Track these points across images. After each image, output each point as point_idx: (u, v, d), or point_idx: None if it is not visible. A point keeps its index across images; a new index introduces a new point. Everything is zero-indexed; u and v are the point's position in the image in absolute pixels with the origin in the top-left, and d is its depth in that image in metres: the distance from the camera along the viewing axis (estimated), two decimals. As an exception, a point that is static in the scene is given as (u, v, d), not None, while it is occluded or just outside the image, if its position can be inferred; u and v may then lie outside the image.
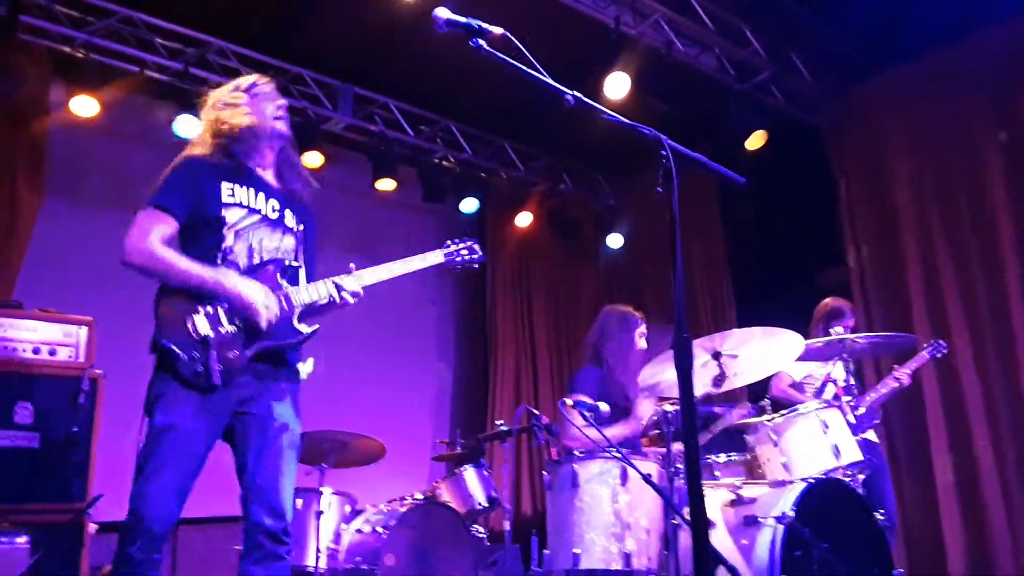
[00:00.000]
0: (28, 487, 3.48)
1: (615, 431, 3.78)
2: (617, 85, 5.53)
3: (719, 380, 3.38)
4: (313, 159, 6.21)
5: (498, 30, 2.06)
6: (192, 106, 5.62)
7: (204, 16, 5.62)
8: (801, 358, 4.20)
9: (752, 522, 3.22)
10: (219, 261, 2.53)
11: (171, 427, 2.38)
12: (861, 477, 3.72)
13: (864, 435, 4.47)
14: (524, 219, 7.67)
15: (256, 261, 2.60)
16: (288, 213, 2.74)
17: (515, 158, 7.50)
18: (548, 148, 7.61)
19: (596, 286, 8.31)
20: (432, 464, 6.75)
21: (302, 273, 2.72)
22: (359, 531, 4.29)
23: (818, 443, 3.57)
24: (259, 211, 2.65)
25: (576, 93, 2.09)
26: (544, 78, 2.08)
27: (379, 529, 4.16)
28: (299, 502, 4.37)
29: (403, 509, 4.24)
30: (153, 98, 5.83)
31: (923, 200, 5.96)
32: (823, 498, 3.29)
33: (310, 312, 2.69)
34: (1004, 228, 5.51)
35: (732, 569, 2.51)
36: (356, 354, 7.02)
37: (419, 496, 4.59)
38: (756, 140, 6.10)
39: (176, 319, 2.43)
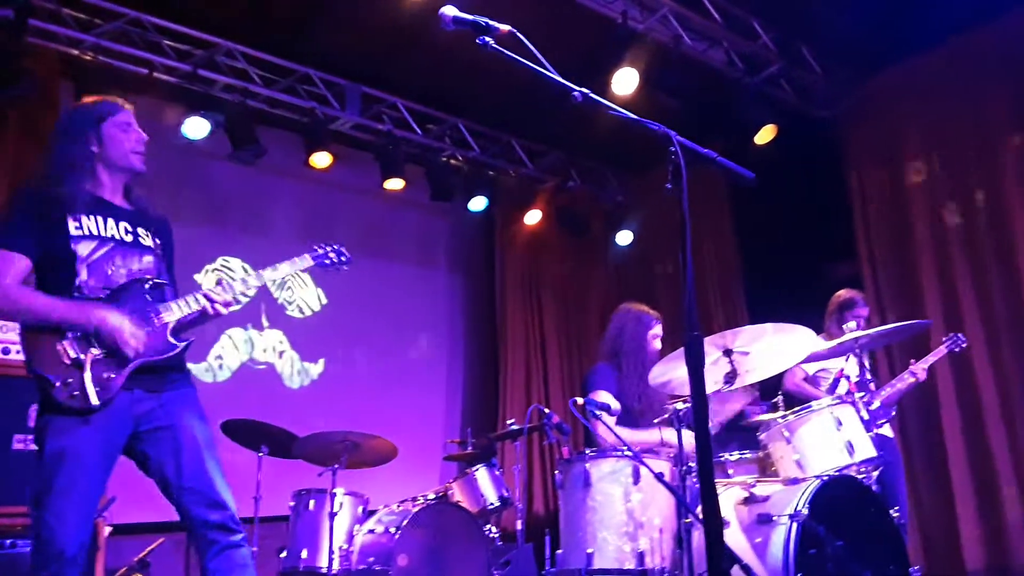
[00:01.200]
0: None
1: (639, 437, 3.76)
2: (625, 81, 5.51)
3: (731, 377, 3.36)
4: (321, 159, 6.22)
5: (505, 27, 2.05)
6: (202, 108, 5.66)
7: (212, 18, 5.63)
8: (814, 358, 4.19)
9: (766, 520, 3.19)
10: (75, 295, 2.50)
11: (62, 452, 2.37)
12: (875, 474, 3.69)
13: (879, 430, 4.45)
14: (533, 217, 7.66)
15: (118, 284, 2.56)
16: (141, 231, 2.69)
17: (523, 156, 7.48)
18: (556, 145, 7.59)
19: (606, 283, 8.29)
20: (443, 464, 6.75)
21: (168, 291, 2.70)
22: (372, 532, 4.29)
23: (831, 440, 3.54)
24: (111, 238, 2.60)
25: (584, 90, 2.07)
26: (552, 75, 2.06)
27: (392, 530, 4.15)
28: (312, 503, 4.39)
29: (415, 509, 4.24)
30: (162, 100, 5.85)
31: (936, 193, 5.91)
32: (837, 495, 3.26)
33: (185, 325, 2.66)
34: (1019, 221, 5.46)
35: (746, 568, 2.50)
36: (367, 355, 7.04)
37: (431, 496, 4.58)
38: (766, 134, 6.07)
39: (46, 347, 2.41)
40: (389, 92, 6.57)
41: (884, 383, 4.64)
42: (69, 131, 2.68)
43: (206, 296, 2.61)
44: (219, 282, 2.68)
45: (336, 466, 4.36)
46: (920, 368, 4.50)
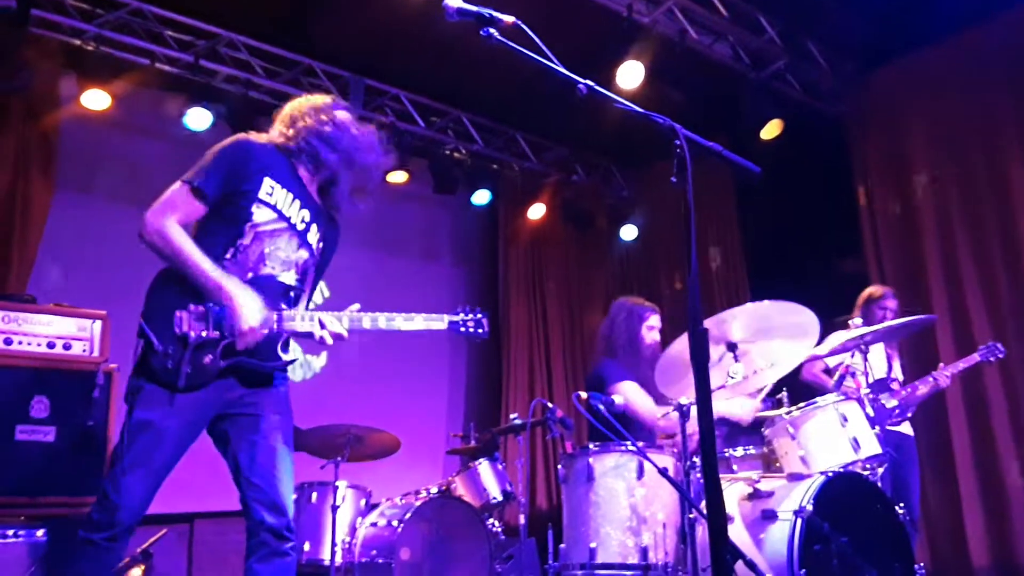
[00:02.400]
0: (45, 481, 3.51)
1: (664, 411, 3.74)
2: (630, 74, 5.49)
3: (736, 372, 3.34)
4: (325, 151, 6.19)
5: (509, 19, 2.03)
6: (204, 99, 5.64)
7: (214, 8, 5.61)
8: (820, 356, 4.17)
9: (770, 516, 3.18)
10: (229, 255, 2.48)
11: (148, 424, 2.35)
12: (881, 470, 3.67)
13: (898, 427, 4.44)
14: (537, 211, 7.64)
15: (264, 271, 2.54)
16: (314, 228, 2.69)
17: (527, 149, 7.46)
18: (561, 139, 7.56)
19: (610, 278, 8.28)
20: (446, 458, 6.75)
21: (303, 301, 2.70)
22: (374, 525, 4.29)
23: (836, 436, 3.52)
24: (289, 218, 2.59)
25: (589, 82, 2.05)
26: (556, 67, 2.05)
27: (394, 523, 4.16)
28: (314, 496, 4.39)
29: (418, 503, 4.24)
30: (164, 90, 5.84)
31: (943, 187, 5.88)
32: (842, 492, 3.25)
33: (295, 337, 2.65)
34: (1026, 216, 5.43)
35: (750, 563, 2.48)
36: (370, 348, 7.02)
37: (434, 490, 4.58)
38: (771, 129, 6.04)
39: (165, 308, 2.39)
40: (392, 84, 6.55)
41: (907, 382, 4.60)
42: (311, 112, 2.77)
43: (320, 323, 2.58)
44: (340, 315, 2.66)
45: (339, 459, 4.36)
46: (944, 375, 4.46)
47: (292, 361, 2.62)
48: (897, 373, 4.67)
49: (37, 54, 5.12)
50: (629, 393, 3.81)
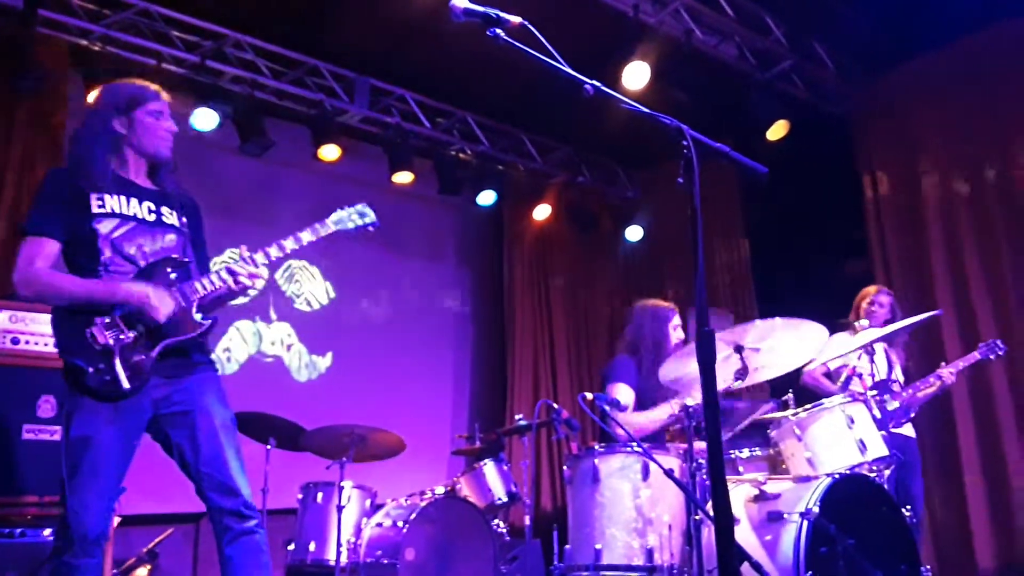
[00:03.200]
0: (51, 480, 3.50)
1: (652, 415, 3.76)
2: (636, 75, 5.47)
3: (741, 374, 3.33)
4: (330, 152, 6.21)
5: (516, 19, 2.03)
6: (211, 99, 5.65)
7: (220, 9, 5.62)
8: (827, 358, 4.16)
9: (776, 518, 3.17)
10: (102, 274, 2.53)
11: (87, 439, 2.40)
12: (887, 472, 3.66)
13: (900, 429, 4.42)
14: (542, 212, 7.63)
15: (143, 265, 2.58)
16: (165, 210, 2.71)
17: (533, 150, 7.45)
18: (566, 140, 7.56)
19: (615, 279, 8.27)
20: (451, 458, 6.75)
21: (193, 268, 2.71)
22: (379, 525, 4.29)
23: (843, 438, 3.51)
24: (133, 216, 2.62)
25: (595, 83, 2.04)
26: (562, 68, 2.04)
27: (399, 523, 4.15)
28: (320, 496, 4.39)
29: (423, 503, 4.24)
30: (170, 91, 5.81)
31: (950, 190, 5.86)
32: (848, 494, 3.23)
33: (210, 303, 2.67)
34: (1033, 218, 5.41)
35: (756, 565, 2.47)
36: (375, 349, 7.03)
37: (439, 490, 4.58)
38: (778, 130, 6.03)
39: (76, 334, 2.44)
40: (398, 85, 6.55)
41: (910, 383, 4.59)
42: (98, 111, 2.71)
43: (229, 271, 2.60)
44: (240, 256, 2.65)
45: (344, 459, 4.36)
46: (948, 372, 4.46)
47: (212, 323, 2.63)
48: (898, 375, 4.65)
49: (44, 54, 5.14)
50: (619, 396, 3.83)
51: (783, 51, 6.01)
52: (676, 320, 4.21)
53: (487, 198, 7.22)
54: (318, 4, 5.61)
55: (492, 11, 2.03)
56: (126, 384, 2.42)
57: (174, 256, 2.65)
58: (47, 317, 3.68)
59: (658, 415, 3.86)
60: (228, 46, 5.78)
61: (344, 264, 6.96)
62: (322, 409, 5.89)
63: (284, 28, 5.88)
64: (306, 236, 2.77)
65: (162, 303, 2.48)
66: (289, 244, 2.72)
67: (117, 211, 2.59)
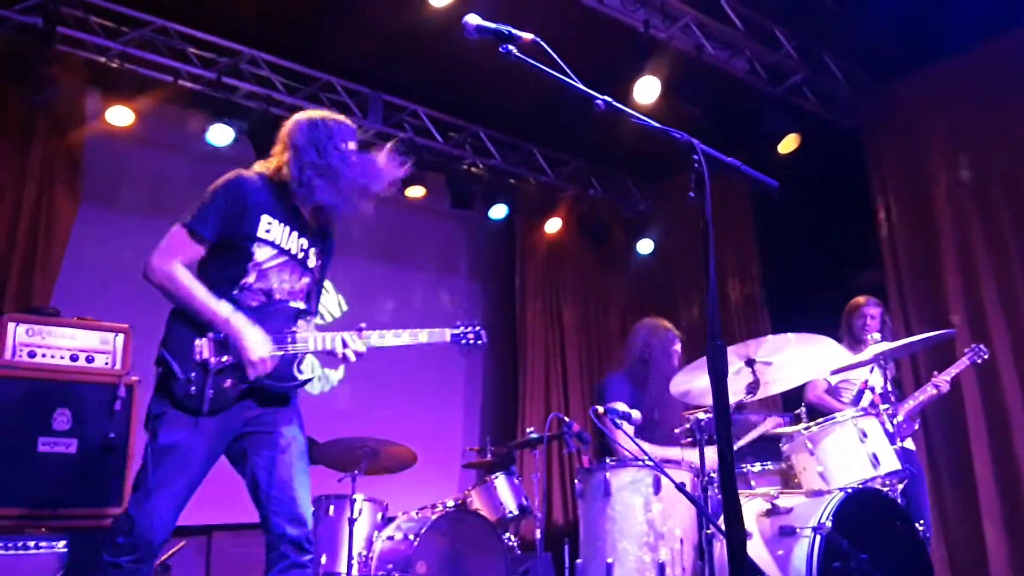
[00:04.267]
0: (66, 492, 3.54)
1: (659, 453, 3.76)
2: (647, 89, 5.50)
3: (753, 387, 3.33)
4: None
5: (528, 35, 2.04)
6: (226, 115, 5.71)
7: (236, 26, 5.69)
8: (837, 371, 4.15)
9: (789, 532, 3.16)
10: (235, 292, 2.57)
11: (173, 447, 2.42)
12: (900, 487, 3.64)
13: (901, 443, 4.40)
14: (553, 225, 7.65)
15: (274, 299, 2.62)
16: (312, 252, 2.76)
17: (544, 164, 7.48)
18: (578, 154, 7.58)
19: (626, 293, 8.26)
20: (462, 472, 6.74)
21: (311, 319, 2.74)
22: (391, 538, 4.29)
23: (856, 452, 3.50)
24: (288, 251, 2.66)
25: (606, 98, 2.06)
26: (574, 83, 2.06)
27: (411, 536, 4.16)
28: (331, 509, 4.40)
29: (434, 516, 4.24)
30: (187, 107, 5.92)
31: (961, 202, 5.84)
32: (861, 508, 3.22)
33: (316, 354, 2.71)
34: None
35: (769, 581, 2.47)
36: (387, 362, 7.03)
37: (450, 503, 4.58)
38: (789, 144, 6.03)
39: (184, 337, 2.49)
40: (411, 100, 6.60)
41: (907, 395, 4.58)
42: (297, 142, 2.70)
43: (343, 342, 2.64)
44: (358, 330, 2.70)
45: (356, 472, 4.37)
46: (942, 380, 4.45)
47: (308, 380, 2.69)
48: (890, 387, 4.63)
49: (62, 71, 5.21)
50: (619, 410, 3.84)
51: (794, 64, 6.02)
52: (677, 346, 4.22)
53: (499, 212, 7.25)
54: (332, 21, 5.67)
55: (504, 28, 2.04)
56: (207, 406, 2.45)
57: (302, 308, 2.68)
58: (63, 331, 3.76)
59: (666, 455, 3.86)
60: (243, 62, 5.85)
61: (357, 277, 7.00)
62: (334, 422, 5.90)
63: (298, 44, 5.94)
64: (424, 336, 2.86)
65: (262, 363, 2.51)
66: (406, 338, 2.81)
67: (278, 241, 2.63)
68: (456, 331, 2.98)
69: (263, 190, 2.65)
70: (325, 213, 2.79)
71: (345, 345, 2.64)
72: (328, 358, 2.70)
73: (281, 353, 2.57)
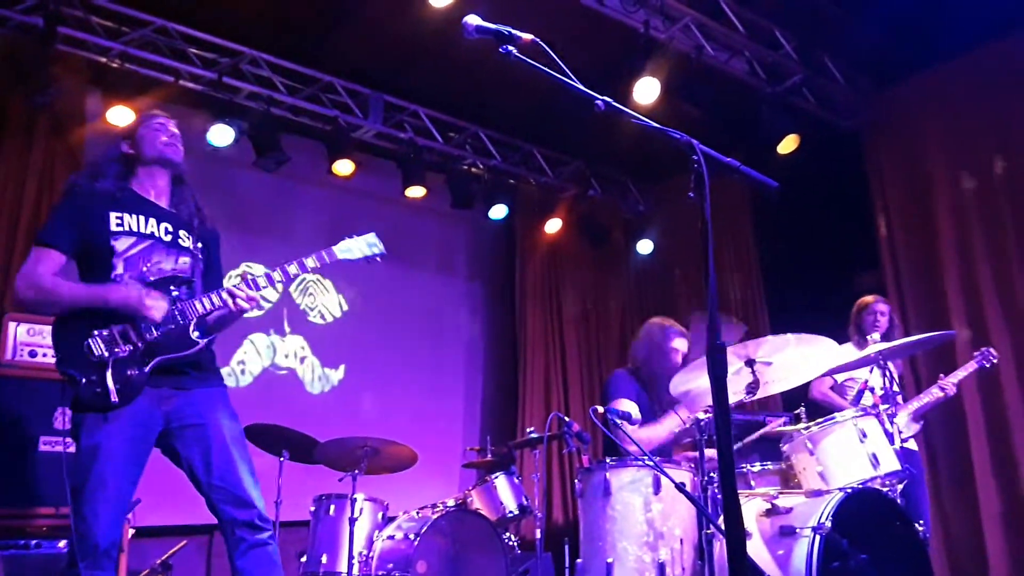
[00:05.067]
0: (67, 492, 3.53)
1: (660, 428, 3.77)
2: (647, 90, 5.51)
3: (753, 387, 3.34)
4: (344, 167, 6.27)
5: (528, 36, 2.05)
6: (227, 115, 5.72)
7: (237, 26, 5.70)
8: (837, 370, 4.16)
9: (788, 532, 3.17)
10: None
11: (96, 447, 2.45)
12: (900, 487, 3.65)
13: (905, 444, 4.40)
14: (553, 225, 7.66)
15: (149, 280, 2.63)
16: (183, 233, 2.78)
17: (544, 164, 7.49)
18: (577, 154, 7.59)
19: (626, 293, 8.27)
20: (463, 471, 6.75)
21: (197, 287, 2.76)
22: (391, 538, 4.30)
23: (855, 452, 3.50)
24: (150, 235, 2.69)
25: (606, 99, 2.06)
26: (574, 84, 2.06)
27: (411, 536, 4.16)
28: (332, 508, 4.41)
29: (435, 516, 4.25)
30: (188, 107, 5.92)
31: (961, 203, 5.85)
32: (861, 508, 3.22)
33: (213, 323, 2.73)
34: (1045, 231, 5.39)
35: (768, 580, 2.47)
36: (388, 361, 7.06)
37: (451, 503, 4.59)
38: (788, 144, 6.04)
39: (74, 345, 2.50)
40: (411, 101, 6.61)
41: (911, 396, 4.58)
42: (106, 146, 2.86)
43: (229, 292, 2.64)
44: (243, 278, 2.71)
45: (356, 472, 4.38)
46: (949, 383, 4.45)
47: (209, 340, 2.68)
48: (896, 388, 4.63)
49: (63, 71, 5.21)
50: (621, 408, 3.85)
51: (793, 65, 6.03)
52: (679, 343, 4.21)
53: (499, 212, 7.25)
54: (333, 22, 5.68)
55: (504, 28, 2.05)
56: (114, 397, 2.46)
57: (179, 275, 2.70)
58: (65, 330, 3.75)
59: (666, 426, 3.87)
60: (244, 63, 5.86)
61: (357, 277, 7.01)
62: (335, 421, 5.92)
63: (299, 45, 5.95)
64: (310, 263, 2.80)
65: (156, 305, 2.54)
66: (292, 269, 2.77)
67: (135, 229, 2.67)
68: (342, 245, 2.90)
69: (103, 191, 2.69)
70: (179, 190, 2.85)
71: (233, 296, 2.63)
72: (230, 318, 2.73)
73: (171, 326, 2.57)
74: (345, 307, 7.03)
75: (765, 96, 6.05)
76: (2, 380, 3.57)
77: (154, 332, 2.54)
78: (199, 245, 2.82)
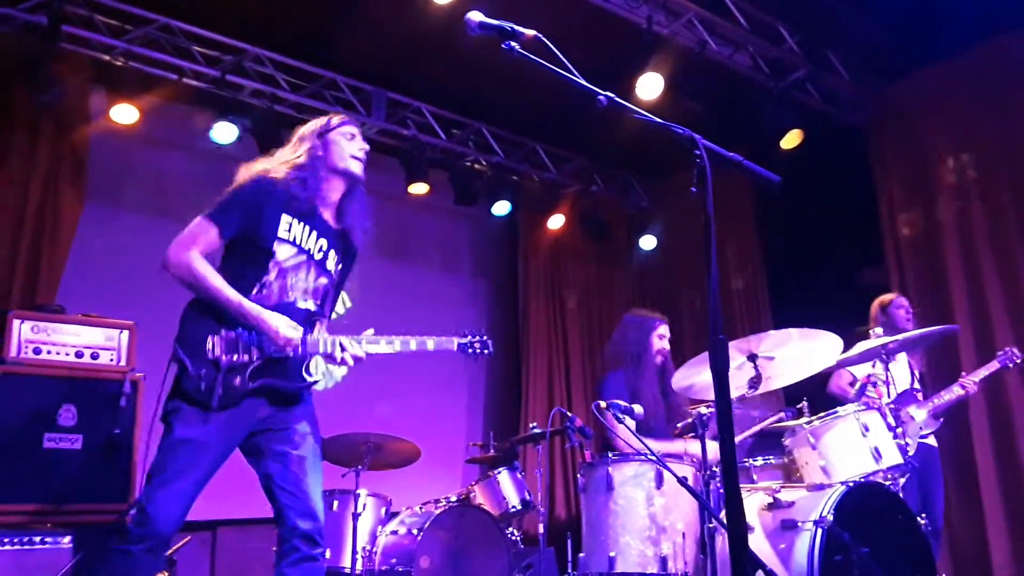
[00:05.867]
0: (72, 488, 3.56)
1: (661, 447, 3.78)
2: (650, 85, 5.51)
3: (755, 382, 3.34)
4: (347, 164, 6.26)
5: (530, 32, 2.06)
6: (230, 113, 5.73)
7: (240, 24, 5.70)
8: (843, 364, 4.16)
9: (790, 526, 3.17)
10: (255, 291, 2.60)
11: (188, 441, 2.46)
12: (902, 481, 3.65)
13: (924, 439, 4.41)
14: (556, 221, 7.67)
15: (287, 299, 2.65)
16: (332, 254, 2.80)
17: (547, 160, 7.49)
18: (580, 150, 7.59)
19: (629, 288, 8.27)
20: (466, 466, 6.77)
21: (323, 322, 2.79)
22: (394, 533, 4.31)
23: (857, 446, 3.52)
24: (308, 251, 2.71)
25: (609, 94, 2.07)
26: (577, 79, 2.07)
27: (414, 531, 4.18)
28: (335, 504, 4.42)
29: (438, 511, 4.26)
30: (191, 105, 5.94)
31: (965, 198, 5.84)
32: (863, 502, 3.23)
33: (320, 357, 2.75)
34: (1049, 226, 5.38)
35: (771, 574, 2.48)
36: (390, 358, 7.05)
37: (453, 498, 4.60)
38: (791, 139, 6.03)
39: (198, 334, 2.52)
40: (414, 97, 6.61)
41: (932, 393, 4.58)
42: (304, 138, 2.87)
43: (341, 346, 2.68)
44: (368, 338, 2.77)
45: (359, 467, 4.40)
46: (971, 381, 4.45)
47: (316, 382, 2.73)
48: (916, 384, 4.64)
49: (67, 69, 5.23)
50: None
51: (797, 60, 6.02)
52: (662, 329, 4.23)
53: (502, 208, 7.26)
54: (336, 19, 5.69)
55: (507, 24, 2.05)
56: (215, 402, 2.48)
57: (312, 310, 2.72)
58: (68, 328, 3.78)
59: (668, 449, 3.87)
60: (248, 60, 5.87)
61: (360, 274, 6.98)
62: (338, 418, 5.91)
63: (302, 43, 5.96)
64: (430, 344, 2.93)
65: (291, 337, 2.55)
66: (412, 344, 2.91)
67: (298, 241, 2.68)
68: (463, 340, 3.01)
69: (286, 190, 2.69)
70: (347, 213, 2.85)
71: (343, 350, 2.68)
72: (330, 359, 2.73)
73: (298, 342, 2.60)
74: (348, 304, 7.02)
75: (768, 91, 6.04)
76: (6, 377, 3.59)
77: (274, 353, 2.56)
78: (339, 267, 2.86)
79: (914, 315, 4.85)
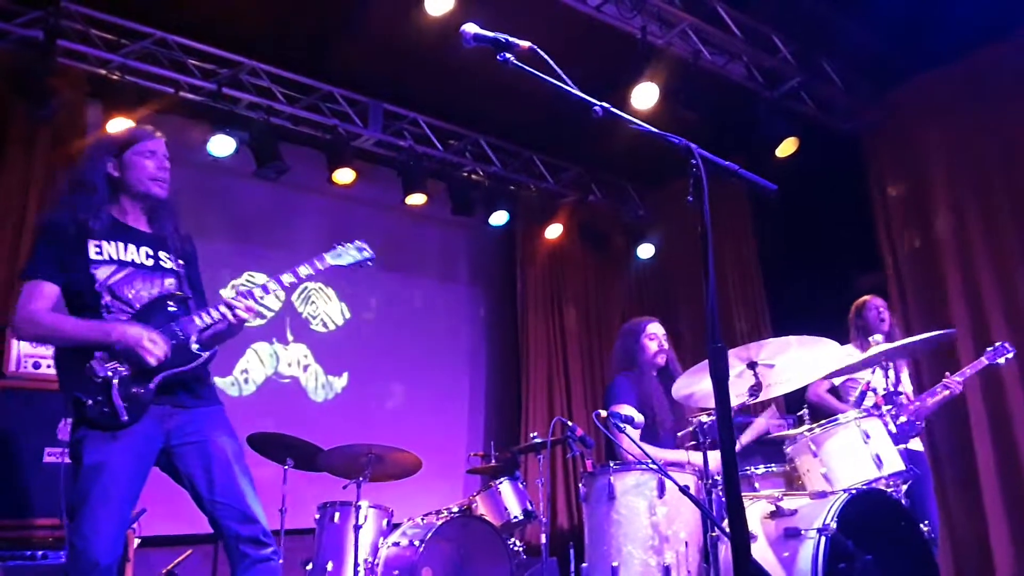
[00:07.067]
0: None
1: (664, 456, 3.78)
2: (645, 96, 5.52)
3: (755, 390, 3.34)
4: (344, 175, 6.28)
5: (525, 44, 2.06)
6: (227, 126, 5.74)
7: (236, 37, 5.72)
8: (837, 373, 4.17)
9: (793, 534, 3.17)
10: (104, 316, 2.58)
11: (98, 465, 2.44)
12: (904, 487, 3.65)
13: (907, 444, 4.40)
14: (554, 231, 7.68)
15: (137, 309, 2.62)
16: (163, 255, 2.76)
17: (544, 170, 7.51)
18: (577, 160, 7.61)
19: (627, 296, 8.29)
20: (467, 477, 6.75)
21: (193, 305, 2.74)
22: (396, 544, 4.30)
23: (859, 453, 3.51)
24: (131, 262, 2.67)
25: (605, 104, 2.08)
26: (572, 90, 2.08)
27: (416, 543, 4.16)
28: (336, 516, 4.41)
29: (439, 522, 4.25)
30: (188, 118, 5.95)
31: (960, 204, 5.86)
32: (865, 509, 3.23)
33: (210, 338, 2.71)
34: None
35: (773, 582, 2.48)
36: (391, 368, 7.07)
37: (455, 509, 4.59)
38: (787, 147, 6.05)
39: (76, 368, 2.49)
40: (410, 109, 6.63)
41: (915, 396, 4.58)
42: (92, 157, 2.77)
43: (227, 305, 2.64)
44: (237, 290, 2.72)
45: (361, 479, 4.38)
46: (954, 381, 4.44)
47: (211, 354, 2.67)
48: (906, 386, 4.62)
49: (63, 84, 5.23)
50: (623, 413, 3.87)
51: (791, 69, 6.04)
52: (651, 329, 4.23)
53: (500, 218, 7.27)
54: (331, 31, 5.71)
55: (502, 36, 2.06)
56: (124, 416, 2.46)
57: (176, 292, 2.70)
58: (68, 341, 3.76)
59: (669, 455, 3.87)
60: (244, 73, 5.88)
61: (359, 285, 7.02)
62: (339, 429, 5.92)
63: (298, 55, 5.98)
64: (303, 271, 2.82)
65: (155, 347, 2.51)
66: (287, 278, 2.78)
67: (115, 257, 2.64)
68: (335, 251, 2.95)
69: (79, 223, 2.63)
70: (158, 214, 2.80)
71: (232, 308, 2.63)
72: (225, 327, 2.70)
73: (172, 343, 2.57)
74: (347, 315, 7.04)
75: (763, 100, 6.06)
76: (6, 392, 3.59)
77: (152, 364, 2.52)
78: (180, 263, 2.80)
79: (889, 315, 4.84)
